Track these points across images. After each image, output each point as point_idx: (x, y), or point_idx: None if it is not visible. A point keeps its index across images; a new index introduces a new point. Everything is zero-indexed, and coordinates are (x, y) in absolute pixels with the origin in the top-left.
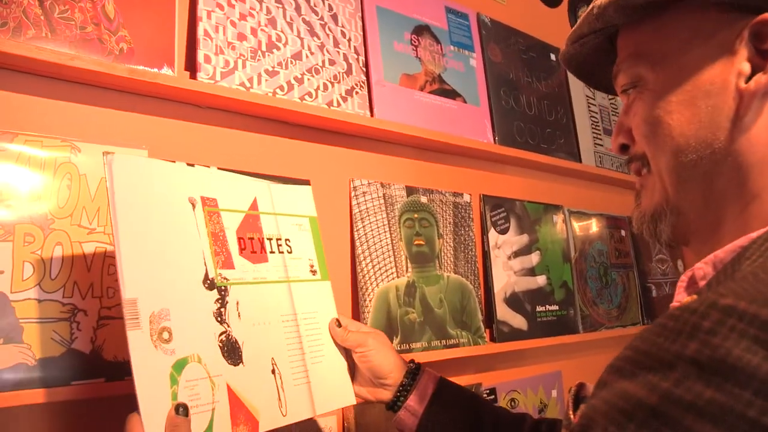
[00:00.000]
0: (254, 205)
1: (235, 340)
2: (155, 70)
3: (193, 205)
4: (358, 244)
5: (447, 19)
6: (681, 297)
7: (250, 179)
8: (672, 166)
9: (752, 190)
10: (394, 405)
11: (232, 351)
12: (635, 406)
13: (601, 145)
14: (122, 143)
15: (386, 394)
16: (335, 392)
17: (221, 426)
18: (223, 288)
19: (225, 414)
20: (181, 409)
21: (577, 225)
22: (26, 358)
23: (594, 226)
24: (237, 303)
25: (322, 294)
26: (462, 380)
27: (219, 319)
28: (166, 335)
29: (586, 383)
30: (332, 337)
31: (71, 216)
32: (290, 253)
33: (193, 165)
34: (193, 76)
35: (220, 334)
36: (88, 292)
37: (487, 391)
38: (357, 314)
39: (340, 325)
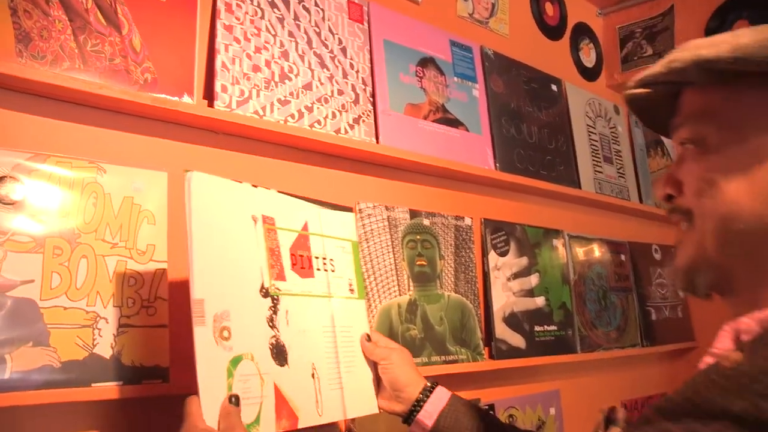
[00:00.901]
0: (305, 227)
1: (283, 344)
2: (176, 98)
3: (255, 222)
4: (363, 263)
5: (451, 52)
6: (723, 344)
7: (304, 203)
8: (718, 230)
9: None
10: (408, 419)
11: (279, 353)
12: None
13: (601, 172)
14: (144, 166)
15: (401, 407)
16: (363, 400)
17: (267, 418)
18: (276, 297)
19: (270, 408)
20: (233, 399)
21: (576, 249)
22: (52, 361)
23: (594, 250)
24: (287, 312)
25: (357, 311)
26: (461, 395)
27: (271, 324)
28: (226, 333)
29: (617, 407)
30: (362, 350)
31: (96, 231)
32: (333, 272)
33: (256, 186)
34: (211, 104)
35: (271, 338)
36: (110, 301)
37: (486, 407)
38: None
39: (369, 340)
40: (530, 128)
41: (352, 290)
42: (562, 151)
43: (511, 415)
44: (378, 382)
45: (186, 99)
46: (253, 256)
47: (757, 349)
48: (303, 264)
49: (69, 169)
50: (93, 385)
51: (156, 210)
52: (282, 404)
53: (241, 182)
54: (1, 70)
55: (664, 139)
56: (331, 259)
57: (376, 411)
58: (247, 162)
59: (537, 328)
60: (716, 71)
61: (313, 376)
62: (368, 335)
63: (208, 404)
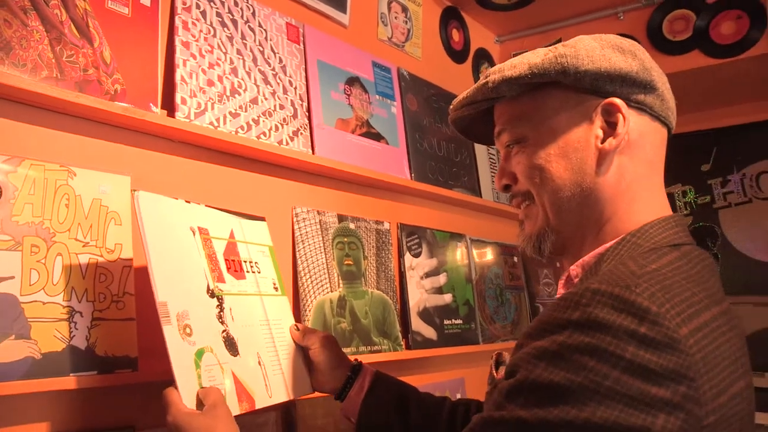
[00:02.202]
0: (232, 235)
1: (233, 336)
2: (144, 110)
3: (194, 233)
4: (299, 262)
5: (373, 72)
6: (561, 291)
7: (226, 215)
8: (553, 201)
9: (605, 216)
10: (340, 395)
11: (231, 345)
12: (543, 352)
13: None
14: (110, 170)
15: (333, 385)
16: (300, 382)
17: (231, 401)
18: (220, 297)
19: (232, 392)
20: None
21: (476, 251)
22: (33, 353)
23: (491, 252)
24: (230, 309)
25: (283, 306)
26: None
27: (220, 320)
28: (188, 330)
29: (503, 352)
30: (292, 338)
31: (69, 231)
32: (259, 273)
33: (189, 202)
34: (171, 114)
35: (222, 332)
36: (83, 296)
37: None
38: (299, 322)
39: (298, 329)
40: (439, 142)
41: (276, 288)
42: (465, 163)
43: None
44: (309, 365)
45: (154, 109)
46: (197, 262)
47: (582, 280)
48: (235, 267)
49: (42, 172)
50: (71, 375)
51: (121, 211)
52: (241, 389)
53: (176, 198)
54: None
55: None
56: (256, 262)
57: (311, 391)
58: (200, 169)
59: (446, 322)
60: (523, 85)
61: (259, 363)
62: (296, 325)
63: (185, 391)
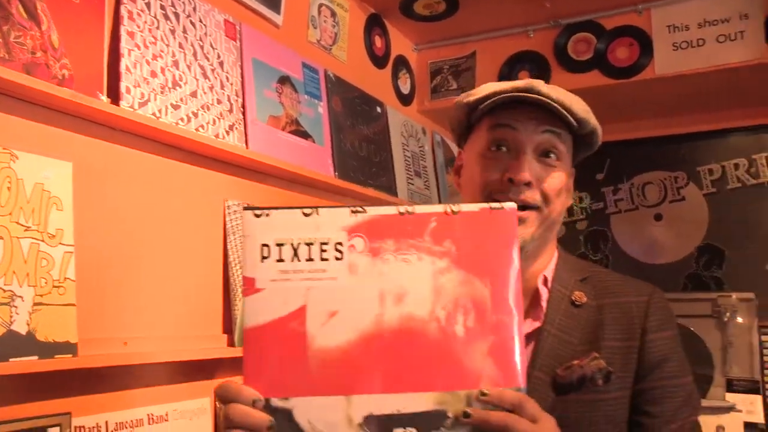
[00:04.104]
0: None
1: None
2: (92, 98)
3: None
4: (230, 253)
5: (303, 73)
6: (543, 291)
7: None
8: (554, 221)
9: (551, 243)
10: None
11: None
12: (676, 340)
13: (413, 184)
14: (53, 155)
15: None
16: None
17: None
18: None
19: None
20: None
21: None
22: None
23: None
24: None
25: None
26: None
27: None
28: None
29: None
30: None
31: (11, 214)
32: None
33: None
34: (116, 103)
35: None
36: (24, 281)
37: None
38: (228, 313)
39: None
40: (360, 143)
41: None
42: (383, 163)
43: None
44: None
45: (101, 97)
46: None
47: (556, 280)
48: None
49: None
50: (11, 359)
51: (63, 197)
52: None
53: None
54: None
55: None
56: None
57: None
58: (140, 159)
59: None
60: (582, 129)
61: None
62: None
63: None
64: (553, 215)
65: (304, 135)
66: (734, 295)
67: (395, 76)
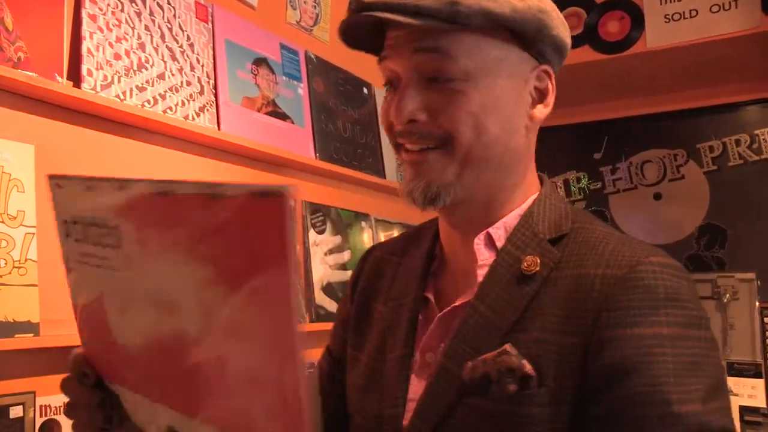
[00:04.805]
0: None
1: None
2: (50, 80)
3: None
4: None
5: (281, 54)
6: (483, 254)
7: None
8: (477, 153)
9: (517, 180)
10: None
11: None
12: (661, 338)
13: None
14: (13, 138)
15: None
16: None
17: None
18: None
19: None
20: None
21: (381, 231)
22: None
23: (396, 232)
24: None
25: None
26: None
27: None
28: None
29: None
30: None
31: None
32: None
33: None
34: (77, 86)
35: None
36: None
37: (308, 365)
38: None
39: None
40: (345, 124)
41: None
42: (370, 145)
43: None
44: None
45: (59, 80)
46: None
47: (512, 240)
48: None
49: None
50: None
51: (25, 179)
52: None
53: None
54: None
55: None
56: None
57: None
58: (105, 141)
59: None
60: (490, 21)
61: None
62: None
63: None
64: (474, 149)
65: (282, 116)
66: (735, 276)
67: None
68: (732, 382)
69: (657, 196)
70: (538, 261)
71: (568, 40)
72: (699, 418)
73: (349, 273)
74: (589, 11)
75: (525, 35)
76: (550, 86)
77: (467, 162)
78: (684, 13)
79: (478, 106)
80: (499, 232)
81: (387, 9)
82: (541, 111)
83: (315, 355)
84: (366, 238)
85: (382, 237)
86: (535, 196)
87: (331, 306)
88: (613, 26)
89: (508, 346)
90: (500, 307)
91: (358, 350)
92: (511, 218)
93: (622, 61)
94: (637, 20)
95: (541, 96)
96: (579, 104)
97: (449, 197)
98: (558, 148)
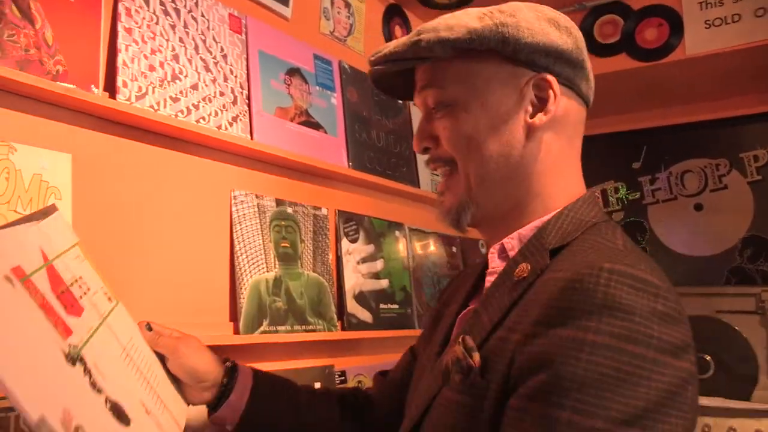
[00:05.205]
0: (44, 256)
1: (116, 401)
2: (86, 91)
3: (12, 282)
4: (236, 242)
5: (314, 65)
6: (496, 263)
7: (26, 226)
8: (478, 172)
9: (534, 191)
10: (216, 404)
11: (120, 414)
12: (580, 342)
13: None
14: (51, 147)
15: (208, 395)
16: (179, 407)
17: None
18: (79, 357)
19: None
20: (148, 326)
21: (415, 240)
22: None
23: (430, 241)
24: (95, 364)
25: (124, 316)
26: (317, 362)
27: (96, 388)
28: None
29: (465, 336)
30: (145, 340)
31: (9, 203)
32: (89, 291)
33: None
34: (113, 96)
35: (105, 403)
36: None
37: (339, 373)
38: (234, 301)
39: (150, 329)
40: (378, 134)
41: (109, 299)
42: (404, 155)
43: (359, 381)
44: (173, 378)
45: (95, 91)
46: (37, 327)
47: (523, 253)
48: (70, 301)
49: None
50: None
51: (62, 187)
52: None
53: None
54: None
55: None
56: (80, 277)
57: (187, 408)
58: (140, 150)
59: (382, 306)
60: (458, 49)
61: (148, 413)
62: (148, 324)
63: None
64: (474, 167)
65: (315, 126)
66: None
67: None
68: None
69: (698, 207)
70: (529, 268)
71: (560, 42)
72: None
73: (382, 282)
74: (626, 18)
75: (498, 50)
76: (550, 93)
77: (472, 180)
78: (726, 18)
79: (471, 127)
80: (513, 242)
81: (378, 62)
82: (541, 119)
83: (347, 363)
84: (401, 247)
85: (417, 246)
86: (560, 209)
87: (363, 315)
88: (650, 33)
89: (462, 337)
90: (492, 308)
91: (422, 350)
92: (527, 230)
93: (660, 69)
94: (676, 27)
95: (542, 103)
96: (616, 113)
97: (468, 217)
98: (595, 157)
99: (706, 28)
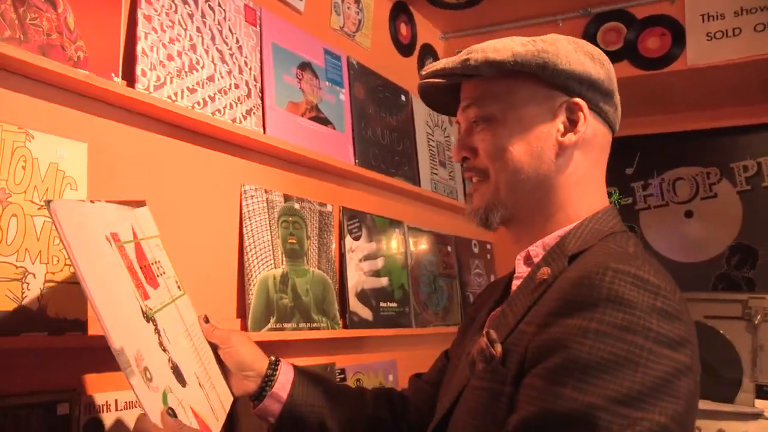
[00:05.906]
0: (135, 234)
1: (176, 363)
2: (106, 79)
3: (110, 243)
4: (246, 238)
5: (324, 59)
6: (522, 269)
7: (123, 208)
8: (509, 180)
9: (558, 203)
10: (260, 395)
11: (179, 375)
12: (585, 330)
13: (437, 174)
14: (68, 136)
15: (251, 386)
16: (224, 391)
17: None
18: (153, 318)
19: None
20: (171, 411)
21: (412, 239)
22: None
23: (426, 240)
24: (163, 329)
25: (188, 305)
26: (319, 360)
27: (162, 347)
28: (149, 375)
29: (490, 330)
30: (203, 332)
31: (25, 192)
32: (164, 273)
33: (93, 201)
34: (131, 85)
35: (168, 362)
36: (37, 258)
37: (339, 371)
38: (242, 297)
39: (207, 321)
40: (383, 131)
41: (179, 287)
42: (407, 153)
43: (358, 379)
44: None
45: (115, 79)
46: (125, 281)
47: (546, 259)
48: (150, 274)
49: (0, 132)
50: (22, 334)
51: (78, 177)
52: (201, 423)
53: (85, 200)
54: None
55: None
56: (159, 261)
57: (233, 397)
58: (156, 141)
59: (382, 304)
60: (499, 69)
61: (200, 385)
62: (206, 316)
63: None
64: (504, 175)
65: (324, 122)
66: (767, 297)
67: (421, 64)
68: (761, 404)
69: (688, 214)
70: (549, 271)
71: (593, 72)
72: (586, 408)
73: (382, 280)
74: (629, 27)
75: (537, 74)
76: (581, 115)
77: (502, 187)
78: (726, 31)
79: (505, 140)
80: (537, 249)
81: (429, 76)
82: (570, 138)
83: (347, 361)
84: (400, 245)
85: (413, 244)
86: (581, 220)
87: (364, 313)
88: (653, 42)
89: (486, 331)
90: (517, 308)
91: (455, 352)
92: (551, 239)
93: (660, 78)
94: (678, 37)
95: (573, 125)
96: None
97: (497, 217)
98: None
99: (707, 40)
